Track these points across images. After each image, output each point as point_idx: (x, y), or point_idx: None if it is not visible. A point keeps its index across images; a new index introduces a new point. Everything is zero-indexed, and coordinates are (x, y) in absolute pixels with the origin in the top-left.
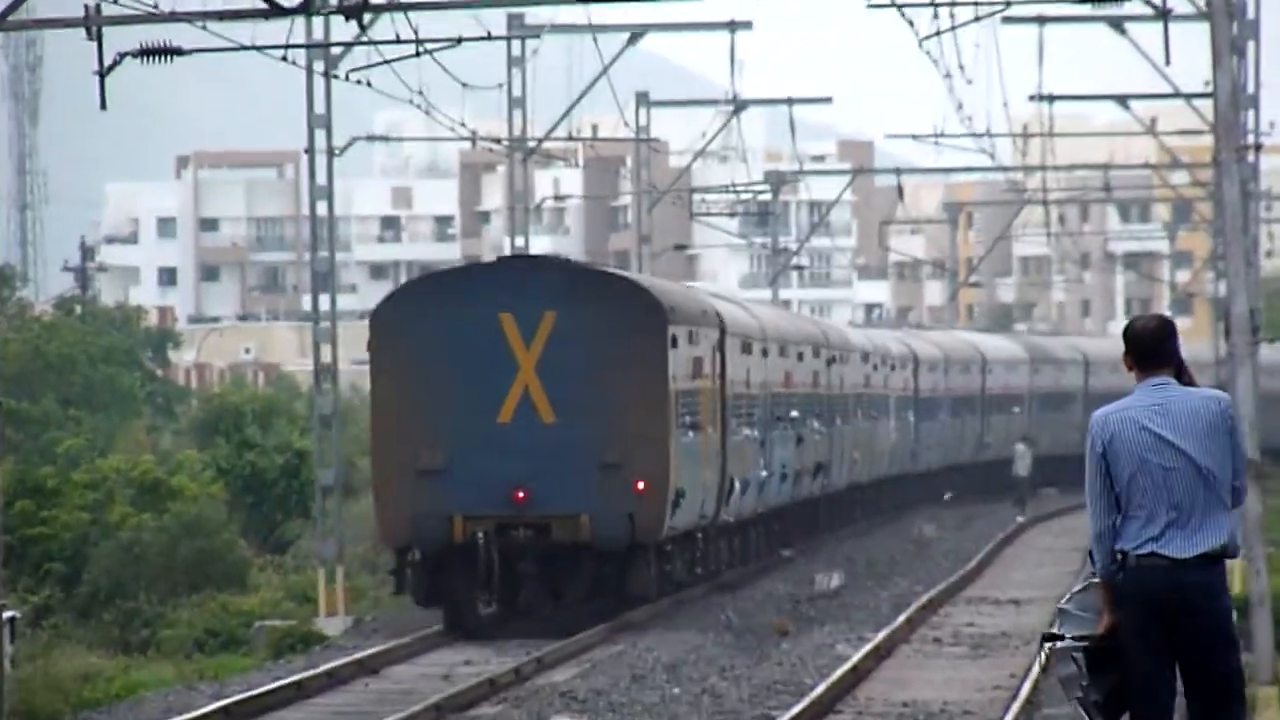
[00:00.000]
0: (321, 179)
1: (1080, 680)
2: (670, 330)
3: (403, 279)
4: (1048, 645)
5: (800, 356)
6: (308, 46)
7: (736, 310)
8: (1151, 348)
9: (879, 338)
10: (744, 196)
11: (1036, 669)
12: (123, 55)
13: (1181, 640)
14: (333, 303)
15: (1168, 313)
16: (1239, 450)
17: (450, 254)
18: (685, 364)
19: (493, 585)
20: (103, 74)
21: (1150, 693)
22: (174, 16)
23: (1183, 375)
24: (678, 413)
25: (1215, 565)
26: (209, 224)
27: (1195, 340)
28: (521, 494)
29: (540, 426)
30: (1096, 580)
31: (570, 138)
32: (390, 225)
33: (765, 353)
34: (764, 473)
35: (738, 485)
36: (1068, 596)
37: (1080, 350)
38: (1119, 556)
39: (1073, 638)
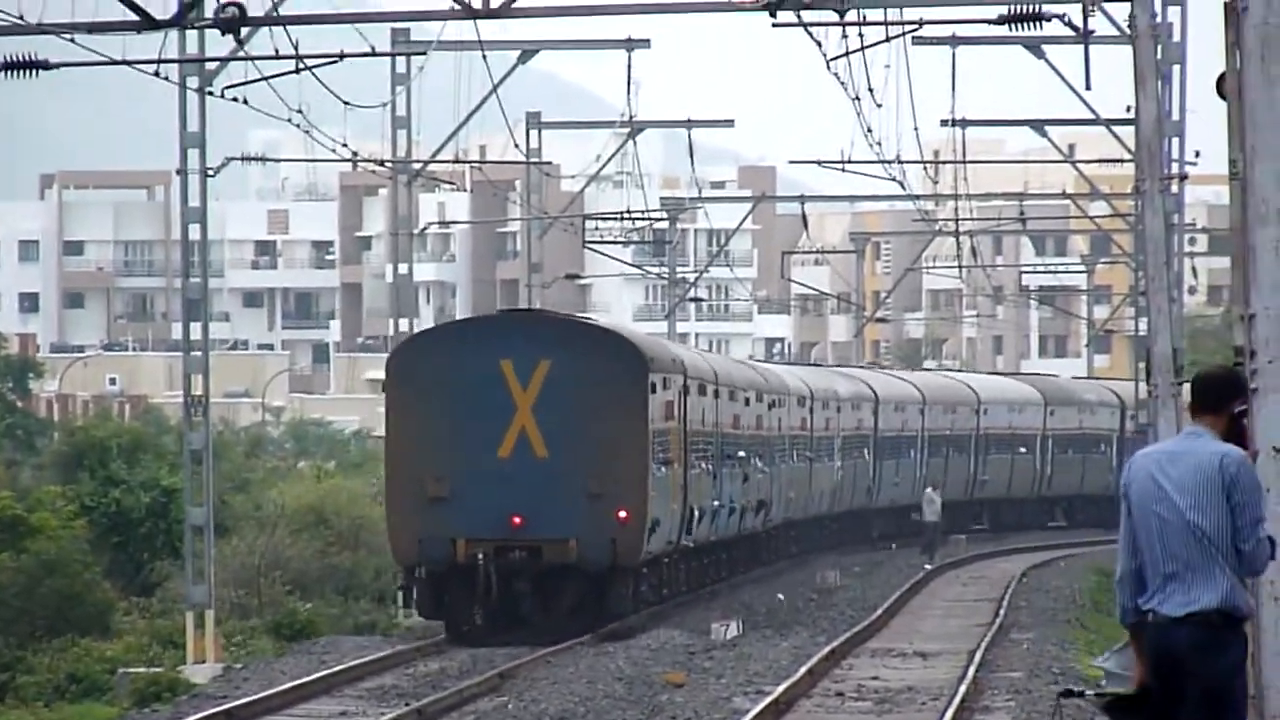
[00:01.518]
0: (194, 201)
1: None
2: (650, 378)
3: (278, 307)
4: (1064, 700)
5: (746, 401)
6: (181, 61)
7: (695, 357)
8: (1199, 394)
9: (823, 380)
10: (639, 224)
11: None
12: None
13: (1180, 701)
14: (205, 331)
15: (1084, 350)
16: (1241, 510)
17: (329, 281)
18: (660, 407)
19: (490, 600)
20: None
21: None
22: (41, 29)
23: (1236, 432)
24: (654, 450)
25: (1210, 626)
26: (74, 247)
27: (1115, 379)
28: (518, 519)
29: (535, 460)
30: None
31: (457, 160)
32: (265, 250)
33: (717, 395)
34: (715, 503)
35: (696, 514)
36: (1106, 656)
37: (1117, 394)
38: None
39: (1095, 694)
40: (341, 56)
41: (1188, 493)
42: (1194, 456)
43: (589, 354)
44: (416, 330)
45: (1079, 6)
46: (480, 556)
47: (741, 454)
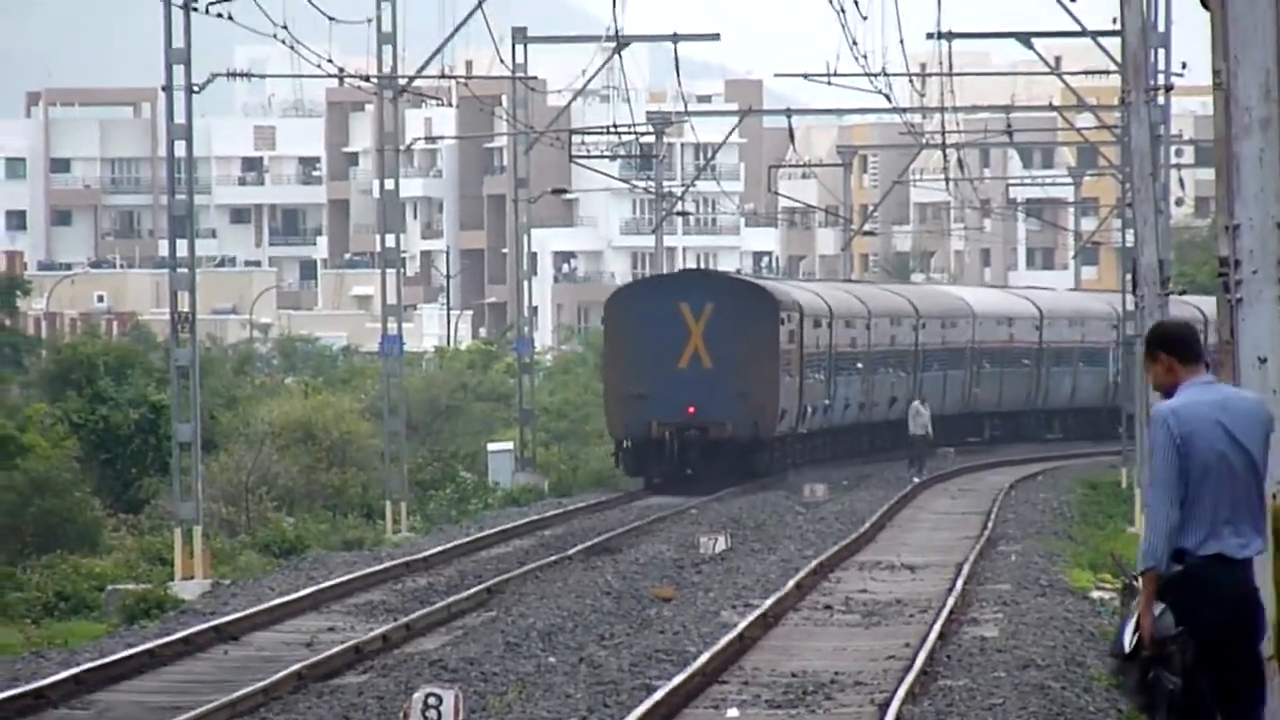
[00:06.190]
0: (180, 117)
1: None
2: (780, 314)
3: (265, 223)
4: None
5: (846, 325)
6: None
7: (810, 297)
8: (1194, 343)
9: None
10: (626, 138)
11: (933, 639)
12: None
13: (1238, 637)
14: (191, 248)
15: (1071, 262)
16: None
17: (316, 197)
18: (786, 334)
19: (672, 464)
20: None
21: (1204, 693)
22: None
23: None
24: (781, 363)
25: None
26: (60, 165)
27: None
28: (692, 409)
29: (703, 370)
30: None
31: (443, 75)
32: (252, 167)
33: (818, 325)
34: (826, 402)
35: (810, 410)
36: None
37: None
38: (1178, 555)
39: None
40: None
41: (1252, 439)
42: (1242, 403)
43: (739, 298)
44: (626, 283)
45: None
46: (667, 434)
47: (842, 366)
